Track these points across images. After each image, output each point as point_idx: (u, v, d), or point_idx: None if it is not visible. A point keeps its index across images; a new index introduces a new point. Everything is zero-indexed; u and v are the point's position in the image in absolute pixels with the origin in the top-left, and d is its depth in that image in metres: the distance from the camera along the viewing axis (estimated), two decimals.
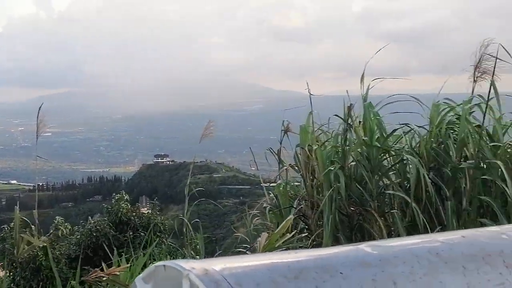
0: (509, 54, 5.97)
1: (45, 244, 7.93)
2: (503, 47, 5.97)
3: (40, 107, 7.97)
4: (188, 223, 6.48)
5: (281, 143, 6.86)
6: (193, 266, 1.24)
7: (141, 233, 9.26)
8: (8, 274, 8.14)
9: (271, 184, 7.12)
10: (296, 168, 6.66)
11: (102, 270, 4.51)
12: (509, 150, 6.09)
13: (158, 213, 10.22)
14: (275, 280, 1.23)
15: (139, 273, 5.24)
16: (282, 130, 6.80)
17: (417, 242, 1.53)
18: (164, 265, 1.30)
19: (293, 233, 5.21)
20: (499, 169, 5.78)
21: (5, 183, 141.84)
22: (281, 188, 6.68)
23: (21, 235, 7.84)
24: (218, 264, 1.26)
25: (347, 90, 6.45)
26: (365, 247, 1.44)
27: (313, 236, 5.99)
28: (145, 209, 10.93)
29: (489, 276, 1.44)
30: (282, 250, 4.51)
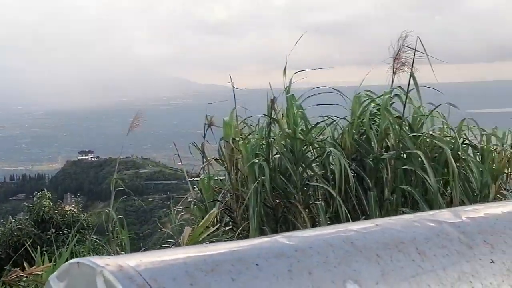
0: (423, 47, 6.13)
1: None
2: (420, 40, 6.12)
3: None
4: (116, 218, 6.40)
5: (204, 137, 6.86)
6: (107, 262, 1.23)
7: (64, 231, 9.14)
8: None
9: (195, 179, 7.10)
10: (221, 161, 6.67)
11: (23, 269, 4.42)
12: (428, 140, 6.24)
13: (81, 210, 10.12)
14: (191, 273, 1.23)
15: None
16: (205, 124, 6.80)
17: (332, 232, 1.55)
18: (77, 262, 1.28)
19: (216, 226, 5.21)
20: (419, 159, 5.92)
21: None
22: (205, 182, 6.67)
23: None
24: (133, 260, 1.25)
25: (270, 83, 6.50)
26: (281, 238, 1.45)
27: (238, 230, 6.01)
28: (70, 206, 10.78)
29: (402, 263, 1.47)
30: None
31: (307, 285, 1.32)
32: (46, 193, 10.00)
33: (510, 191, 6.40)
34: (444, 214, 1.74)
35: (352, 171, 6.14)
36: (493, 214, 1.81)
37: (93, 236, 7.77)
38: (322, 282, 1.34)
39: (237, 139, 6.37)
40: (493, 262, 1.60)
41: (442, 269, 1.51)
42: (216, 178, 6.93)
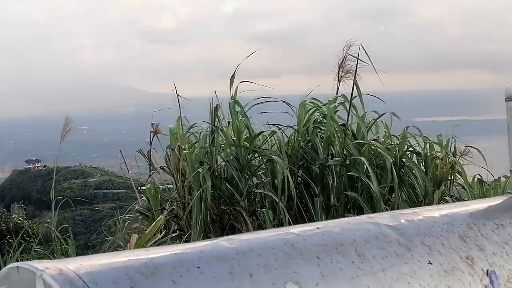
0: (367, 55, 6.23)
1: None
2: (363, 48, 6.22)
3: None
4: (54, 228, 6.31)
5: (150, 145, 6.82)
6: (47, 266, 1.22)
7: (10, 239, 8.96)
8: None
9: (143, 187, 7.05)
10: (167, 170, 6.64)
11: None
12: (373, 147, 6.33)
13: (25, 217, 9.95)
14: (131, 276, 1.23)
15: None
16: (151, 132, 6.77)
17: (273, 235, 1.57)
18: (17, 267, 1.28)
19: (163, 233, 5.20)
20: (364, 166, 6.00)
21: None
22: (152, 191, 6.64)
23: None
24: (73, 263, 1.25)
25: (215, 91, 6.50)
26: (222, 241, 1.47)
27: (185, 237, 5.99)
28: (16, 214, 10.57)
29: (341, 265, 1.50)
30: None
31: (248, 287, 1.34)
32: None
33: (453, 197, 6.53)
34: (383, 217, 1.78)
35: (298, 177, 6.19)
36: (431, 217, 1.85)
37: (38, 247, 7.65)
38: (263, 284, 1.35)
39: (183, 147, 6.35)
40: (430, 263, 1.64)
41: (381, 271, 1.55)
42: (163, 186, 6.90)
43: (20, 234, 7.85)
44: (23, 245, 6.51)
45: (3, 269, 1.34)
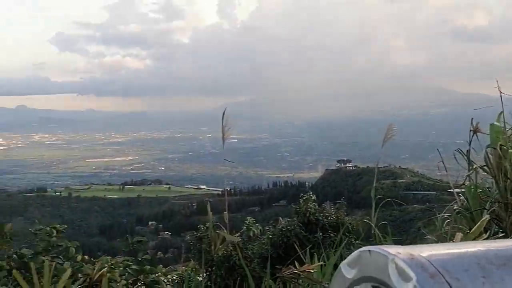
0: None
1: (239, 240, 8.24)
2: None
3: (224, 113, 7.99)
4: (374, 226, 6.46)
5: (470, 144, 6.64)
6: (399, 251, 1.29)
7: (331, 234, 9.34)
8: (205, 272, 8.51)
9: (456, 190, 6.90)
10: (487, 169, 6.43)
11: (295, 267, 4.62)
12: None
13: (345, 214, 10.27)
14: (482, 266, 1.25)
15: (330, 273, 5.34)
16: (470, 130, 6.59)
17: None
18: (369, 250, 1.36)
19: (487, 235, 5.06)
20: None
21: (196, 188, 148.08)
22: (471, 190, 6.47)
23: (217, 231, 8.18)
24: (423, 250, 1.30)
25: None
26: None
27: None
28: (337, 212, 10.93)
29: None
30: None
31: None
32: (311, 195, 10.30)
33: None
34: None
35: None
36: None
37: (358, 242, 7.89)
38: None
39: (506, 146, 6.11)
40: None
41: None
42: (482, 187, 6.69)
43: (340, 230, 8.13)
44: (346, 240, 6.74)
45: (354, 252, 1.43)
